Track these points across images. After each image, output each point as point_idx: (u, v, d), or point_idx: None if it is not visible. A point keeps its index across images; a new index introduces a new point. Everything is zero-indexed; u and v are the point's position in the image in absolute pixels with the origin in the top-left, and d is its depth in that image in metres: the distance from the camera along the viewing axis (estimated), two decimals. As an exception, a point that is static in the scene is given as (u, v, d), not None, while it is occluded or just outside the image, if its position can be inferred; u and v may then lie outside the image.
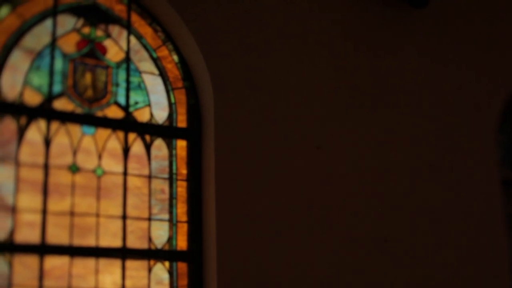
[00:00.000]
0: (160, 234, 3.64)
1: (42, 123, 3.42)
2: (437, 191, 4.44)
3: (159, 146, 3.75)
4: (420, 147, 4.46)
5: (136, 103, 3.73)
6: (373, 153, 4.26)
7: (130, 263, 3.50)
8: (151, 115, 3.76)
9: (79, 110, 3.54)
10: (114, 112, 3.65)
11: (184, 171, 3.79)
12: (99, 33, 3.70)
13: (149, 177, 3.67)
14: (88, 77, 3.61)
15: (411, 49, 4.62)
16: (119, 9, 3.78)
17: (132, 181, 3.61)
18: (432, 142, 4.52)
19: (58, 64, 3.53)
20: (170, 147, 3.78)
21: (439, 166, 4.50)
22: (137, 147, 3.68)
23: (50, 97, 3.47)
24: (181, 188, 3.76)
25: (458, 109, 4.71)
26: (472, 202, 4.56)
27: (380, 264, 4.09)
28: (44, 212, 3.32)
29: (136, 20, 3.83)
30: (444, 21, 4.81)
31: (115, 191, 3.55)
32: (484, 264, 4.48)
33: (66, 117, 3.48)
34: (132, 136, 3.67)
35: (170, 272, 3.61)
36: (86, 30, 3.66)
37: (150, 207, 3.64)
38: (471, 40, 4.90)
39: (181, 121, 3.85)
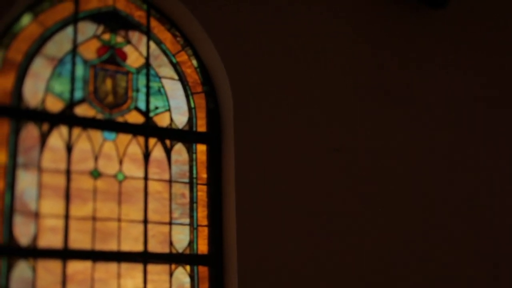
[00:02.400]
0: (181, 238, 3.66)
1: (63, 129, 3.46)
2: (455, 193, 4.41)
3: (179, 151, 3.78)
4: (438, 149, 4.44)
5: (156, 108, 3.76)
6: (392, 155, 4.24)
7: (151, 267, 3.53)
8: (171, 120, 3.79)
9: (100, 116, 3.57)
10: (135, 118, 3.68)
11: (204, 175, 3.81)
12: (119, 39, 3.73)
13: (170, 181, 3.70)
14: (108, 83, 3.64)
15: (430, 51, 4.59)
16: (139, 15, 3.82)
17: (153, 186, 3.64)
18: (449, 144, 4.49)
19: (79, 70, 3.57)
20: (190, 151, 3.80)
21: (457, 167, 4.47)
22: (157, 152, 3.70)
23: (71, 104, 3.51)
24: (202, 192, 3.78)
25: (477, 111, 4.68)
26: (500, 203, 4.53)
27: (403, 266, 4.07)
28: (67, 217, 3.36)
29: (156, 26, 3.86)
30: (464, 22, 4.77)
31: (136, 196, 3.59)
32: None
33: (87, 123, 3.52)
34: (152, 141, 3.70)
35: (191, 276, 3.63)
36: (106, 36, 3.70)
37: (171, 212, 3.66)
38: (493, 42, 4.86)
39: (201, 126, 3.87)
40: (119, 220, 3.50)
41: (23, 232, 3.24)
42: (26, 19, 3.48)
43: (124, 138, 3.62)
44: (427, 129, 4.42)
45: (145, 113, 3.71)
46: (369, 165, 4.13)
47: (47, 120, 3.42)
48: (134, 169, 3.61)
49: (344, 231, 3.94)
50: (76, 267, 3.34)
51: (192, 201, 3.74)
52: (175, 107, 3.82)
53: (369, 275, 3.96)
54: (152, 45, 3.82)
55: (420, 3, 4.56)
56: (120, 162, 3.58)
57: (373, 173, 4.14)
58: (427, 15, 4.63)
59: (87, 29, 3.65)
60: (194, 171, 3.79)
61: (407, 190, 4.23)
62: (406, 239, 4.13)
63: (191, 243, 3.68)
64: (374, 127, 4.22)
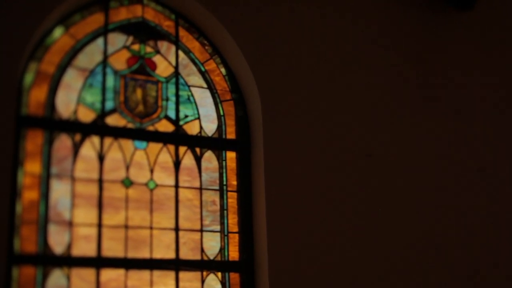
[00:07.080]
0: (212, 245, 3.69)
1: (95, 139, 3.52)
2: (490, 197, 4.37)
3: (209, 158, 3.81)
4: (471, 154, 4.39)
5: (186, 116, 3.80)
6: (423, 161, 4.21)
7: (183, 275, 3.56)
8: (201, 127, 3.83)
9: (130, 125, 3.63)
10: (165, 126, 3.72)
11: (234, 182, 3.83)
12: (148, 49, 3.78)
13: (200, 189, 3.73)
14: (138, 93, 3.69)
15: (458, 54, 4.55)
16: (167, 25, 3.86)
17: (183, 194, 3.68)
18: (483, 149, 4.45)
19: (110, 81, 3.63)
20: (220, 159, 3.83)
21: (490, 173, 4.42)
22: (187, 160, 3.74)
23: (102, 114, 3.57)
24: (232, 199, 3.80)
25: (507, 114, 4.62)
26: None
27: (433, 270, 4.04)
28: (100, 226, 3.41)
29: (184, 35, 3.90)
30: (491, 23, 4.72)
31: (168, 204, 3.62)
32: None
33: (118, 133, 3.58)
34: (182, 149, 3.73)
35: (223, 283, 3.66)
36: (136, 47, 3.75)
37: (201, 219, 3.69)
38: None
39: (230, 133, 3.90)
40: (151, 228, 3.54)
41: (57, 241, 3.31)
42: (58, 32, 3.55)
43: (154, 146, 3.67)
44: (457, 134, 4.38)
45: (175, 122, 3.75)
46: (400, 170, 4.11)
47: (79, 130, 3.48)
48: (165, 177, 3.65)
49: (377, 237, 3.93)
50: (109, 275, 3.39)
51: (223, 208, 3.77)
52: (205, 115, 3.86)
53: (404, 279, 3.94)
54: (181, 54, 3.86)
55: (446, 5, 4.52)
56: (151, 171, 3.63)
57: (404, 178, 4.11)
58: (454, 17, 4.58)
59: (117, 40, 3.71)
60: (224, 178, 3.81)
61: (440, 195, 4.20)
62: (438, 242, 4.10)
63: (222, 250, 3.71)
64: (406, 132, 4.20)
